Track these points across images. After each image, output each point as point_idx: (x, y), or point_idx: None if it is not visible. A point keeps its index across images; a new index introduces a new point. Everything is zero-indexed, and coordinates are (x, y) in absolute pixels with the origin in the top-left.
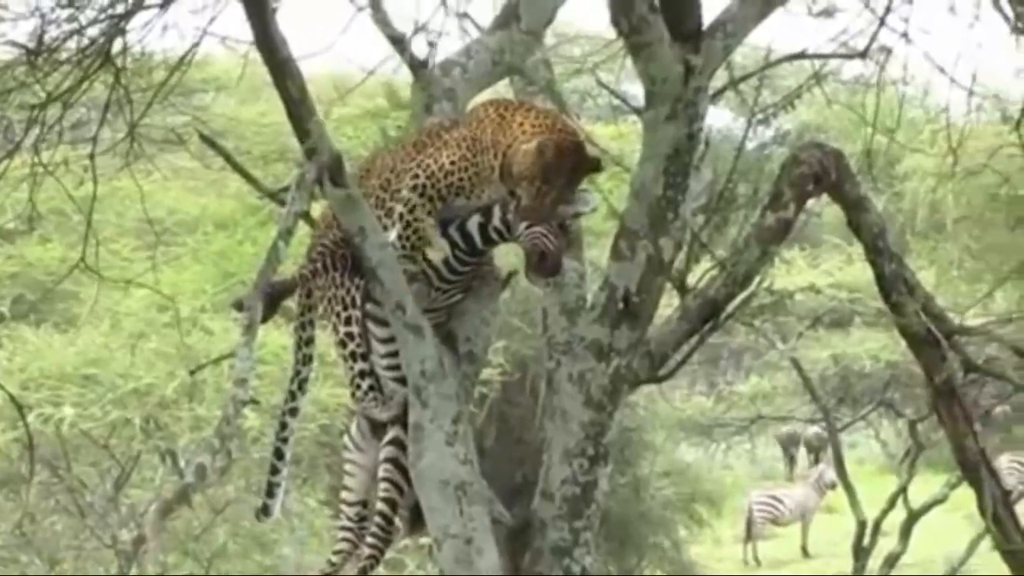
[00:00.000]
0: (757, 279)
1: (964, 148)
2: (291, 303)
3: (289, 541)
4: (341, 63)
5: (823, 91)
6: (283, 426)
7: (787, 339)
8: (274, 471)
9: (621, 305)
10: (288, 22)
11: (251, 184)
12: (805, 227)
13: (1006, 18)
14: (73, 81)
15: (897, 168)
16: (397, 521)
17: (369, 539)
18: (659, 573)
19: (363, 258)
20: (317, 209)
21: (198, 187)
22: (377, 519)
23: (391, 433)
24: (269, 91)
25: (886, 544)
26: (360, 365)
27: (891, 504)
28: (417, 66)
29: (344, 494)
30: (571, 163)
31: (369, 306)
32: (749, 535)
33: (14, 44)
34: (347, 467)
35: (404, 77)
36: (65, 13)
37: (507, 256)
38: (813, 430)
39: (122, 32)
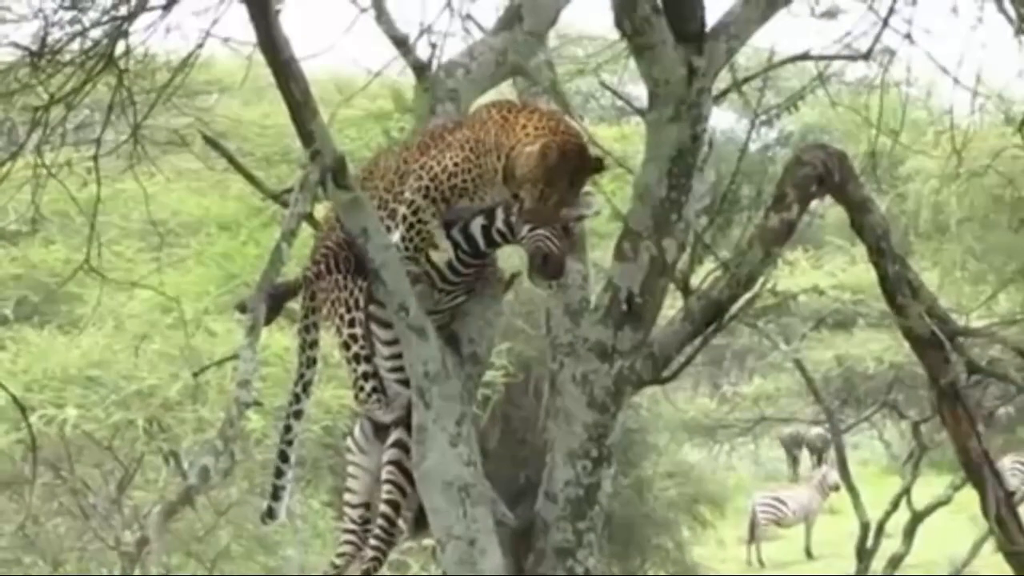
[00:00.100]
0: (760, 280)
1: (968, 149)
2: (295, 305)
3: (292, 543)
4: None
5: (827, 92)
6: (287, 429)
7: (790, 340)
8: (279, 474)
9: (624, 306)
10: (291, 24)
11: (254, 186)
12: (808, 228)
13: (1009, 19)
14: (76, 83)
15: (901, 169)
16: (400, 523)
17: (372, 541)
18: (662, 574)
19: (366, 260)
20: (321, 211)
21: (201, 189)
22: (380, 521)
23: (394, 435)
24: (272, 92)
25: (889, 545)
26: (363, 367)
27: (894, 505)
28: (420, 68)
29: (347, 496)
30: (574, 166)
31: (372, 308)
32: (752, 536)
33: (17, 46)
34: (350, 469)
35: (408, 79)
36: (68, 15)
37: (510, 258)
38: (816, 431)
39: (125, 34)
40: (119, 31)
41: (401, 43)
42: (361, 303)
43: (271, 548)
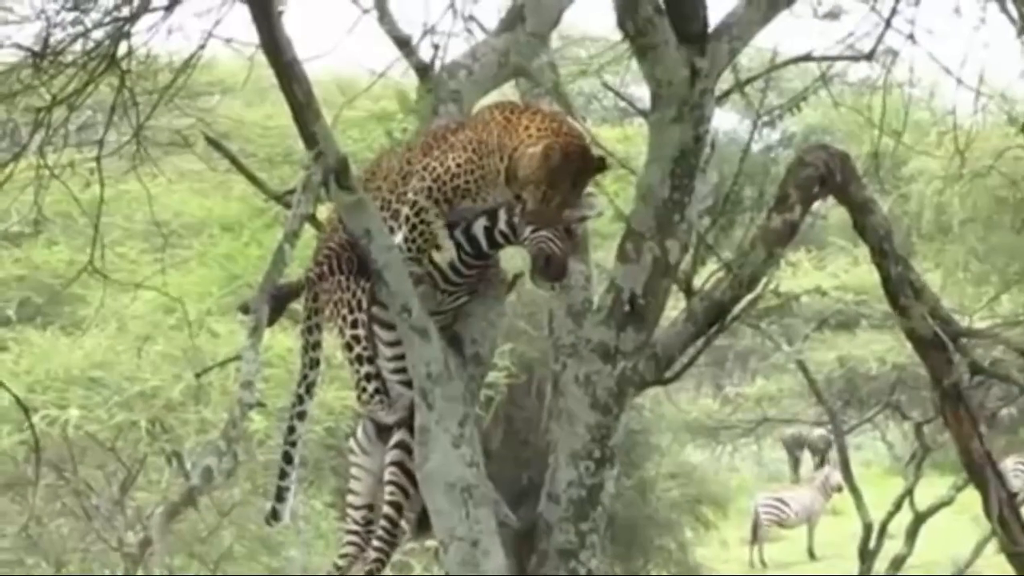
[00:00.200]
0: (763, 281)
1: (971, 150)
2: (297, 306)
3: (295, 544)
4: (346, 65)
5: (829, 93)
6: (291, 430)
7: (793, 341)
8: (283, 475)
9: (627, 307)
10: (293, 24)
11: (257, 187)
12: (811, 229)
13: (1012, 20)
14: (79, 84)
15: (903, 170)
16: (403, 524)
17: (375, 542)
18: (665, 575)
19: (369, 260)
20: (323, 212)
21: (204, 190)
22: (383, 522)
23: (397, 436)
24: (275, 93)
25: (892, 546)
26: (366, 368)
27: (897, 506)
28: (423, 69)
29: (350, 497)
30: (577, 167)
31: (375, 309)
32: (755, 537)
33: (20, 47)
34: (353, 471)
35: (410, 80)
36: (70, 16)
37: (513, 259)
38: (818, 433)
39: (127, 35)
40: (121, 32)
41: (404, 44)
42: (364, 304)
43: (274, 549)
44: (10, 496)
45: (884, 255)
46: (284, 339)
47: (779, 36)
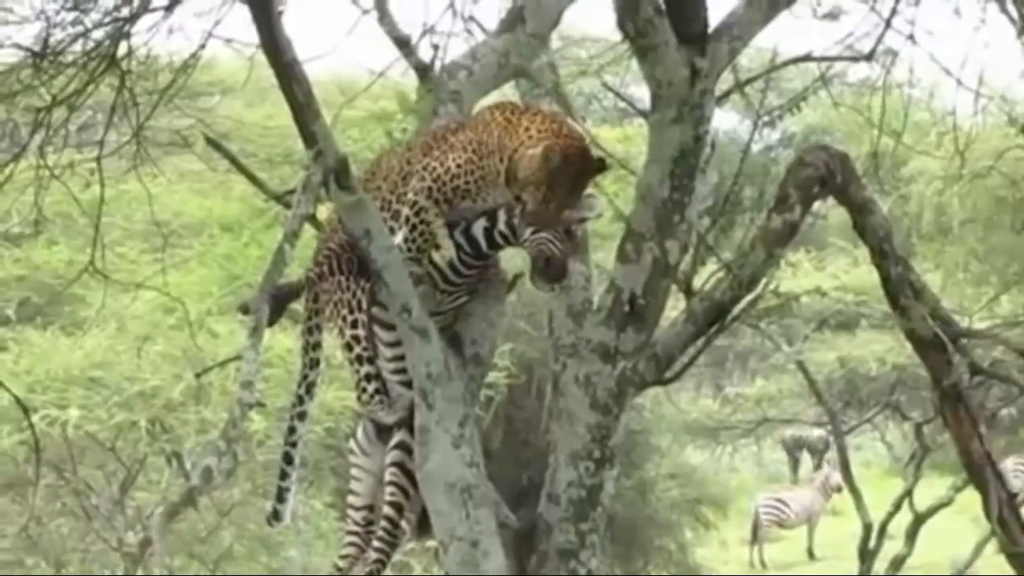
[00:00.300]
0: (763, 282)
1: (971, 150)
2: (297, 306)
3: (295, 544)
4: (346, 66)
5: (829, 93)
6: (291, 430)
7: (793, 342)
8: (283, 476)
9: (627, 308)
10: (293, 25)
11: (257, 187)
12: (811, 230)
13: (1012, 20)
14: (79, 84)
15: (903, 170)
16: (403, 525)
17: (376, 543)
18: (665, 575)
19: (369, 261)
20: (323, 212)
21: (204, 190)
22: (383, 523)
23: (397, 437)
24: (275, 94)
25: (892, 547)
26: (366, 368)
27: (897, 507)
28: (423, 69)
29: (351, 498)
30: (577, 168)
31: (375, 309)
32: (755, 538)
33: (20, 47)
34: (354, 471)
35: (410, 80)
36: (70, 16)
37: (513, 259)
38: (817, 433)
39: (127, 35)
40: (121, 32)
41: (403, 44)
42: (364, 304)
43: (274, 549)
44: (10, 496)
45: (884, 255)
46: (284, 339)
47: (779, 36)
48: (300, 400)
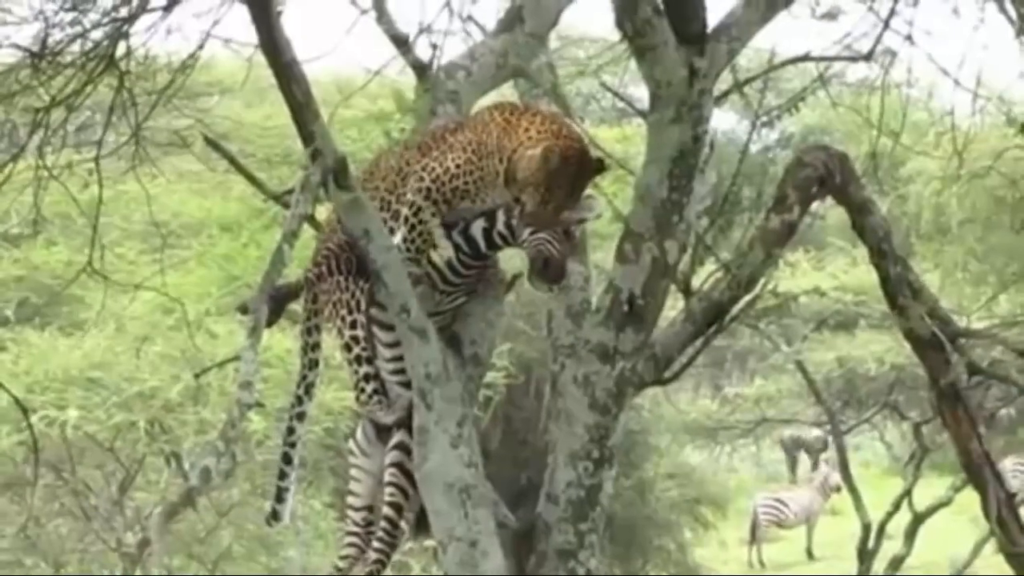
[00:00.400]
0: (761, 282)
1: (969, 151)
2: (296, 306)
3: (294, 544)
4: (345, 66)
5: (827, 93)
6: (291, 431)
7: (792, 342)
8: (282, 476)
9: (626, 308)
10: (292, 24)
11: (256, 187)
12: (809, 230)
13: (1011, 21)
14: (77, 84)
15: (902, 171)
16: (403, 525)
17: (376, 543)
18: (664, 575)
19: (368, 261)
20: (322, 212)
21: (203, 190)
22: (383, 524)
23: (396, 437)
24: (273, 94)
25: (891, 547)
26: (365, 369)
27: (896, 507)
28: (421, 68)
29: (350, 499)
30: (576, 170)
31: (374, 310)
32: (754, 538)
33: (18, 47)
34: (353, 472)
35: (407, 78)
36: (69, 16)
37: (512, 259)
38: (814, 433)
39: (126, 35)
40: (120, 32)
41: (401, 43)
42: (363, 305)
43: (273, 549)
44: (9, 496)
45: (883, 255)
46: (283, 340)
47: (777, 37)
48: (299, 400)
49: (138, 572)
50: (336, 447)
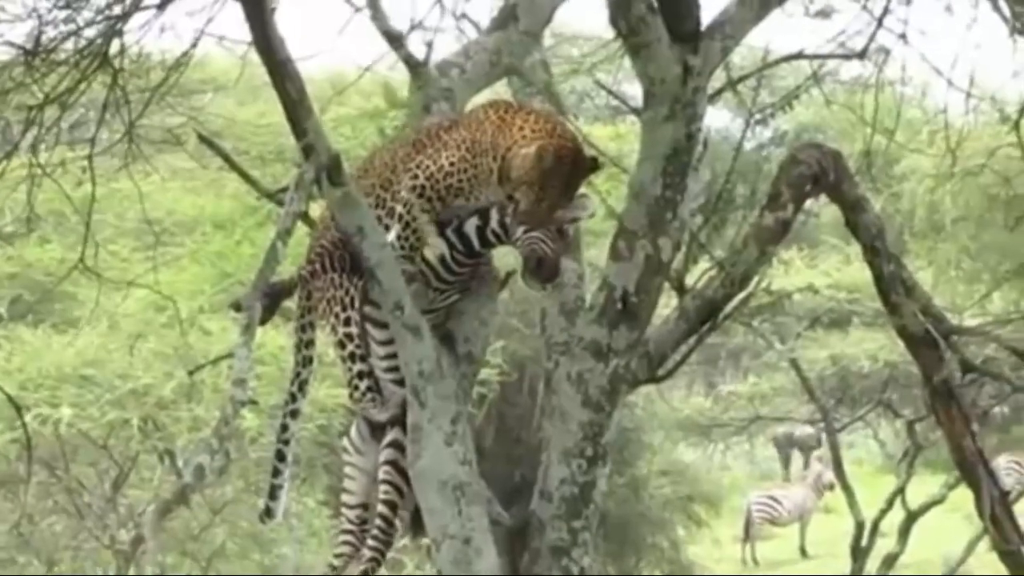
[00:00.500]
0: (755, 279)
1: (962, 149)
2: (290, 304)
3: (288, 541)
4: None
5: (821, 91)
6: (284, 428)
7: (785, 339)
8: (276, 473)
9: (620, 305)
10: (285, 22)
11: (249, 184)
12: (803, 227)
13: (1004, 19)
14: (71, 82)
15: (895, 168)
16: (397, 523)
17: (370, 542)
18: (657, 573)
19: (362, 258)
20: (316, 209)
21: (196, 188)
22: (378, 522)
23: (390, 435)
24: (267, 91)
25: (884, 544)
26: (359, 366)
27: (889, 504)
28: (415, 65)
29: (345, 497)
30: (569, 169)
31: (367, 307)
32: (747, 535)
33: (12, 45)
34: (347, 470)
35: (400, 74)
36: (62, 14)
37: (506, 257)
38: (808, 431)
39: (120, 33)
40: (113, 30)
41: (395, 39)
42: (356, 302)
43: (266, 546)
44: (2, 494)
45: (876, 253)
46: (276, 337)
47: (771, 34)
48: (293, 397)
49: (132, 570)
50: (330, 444)
